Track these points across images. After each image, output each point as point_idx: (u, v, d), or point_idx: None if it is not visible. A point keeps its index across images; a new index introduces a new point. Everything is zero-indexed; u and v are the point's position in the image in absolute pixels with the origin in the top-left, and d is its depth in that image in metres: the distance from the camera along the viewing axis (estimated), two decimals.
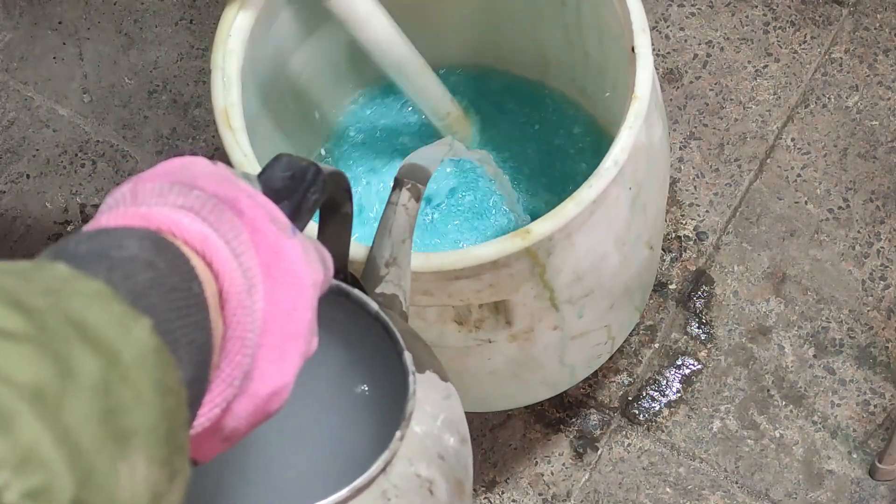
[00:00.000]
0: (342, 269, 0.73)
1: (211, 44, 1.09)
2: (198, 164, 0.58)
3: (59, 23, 1.59)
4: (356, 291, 0.73)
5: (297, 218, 0.61)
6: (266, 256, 0.57)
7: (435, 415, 0.71)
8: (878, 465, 1.29)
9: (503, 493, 1.33)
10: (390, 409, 0.70)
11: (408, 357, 0.70)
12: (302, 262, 0.58)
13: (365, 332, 0.73)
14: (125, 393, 0.45)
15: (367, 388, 0.78)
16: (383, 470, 0.67)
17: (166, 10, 1.59)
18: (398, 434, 0.68)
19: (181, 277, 0.52)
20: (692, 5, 1.53)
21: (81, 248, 0.50)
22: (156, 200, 0.55)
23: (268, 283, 0.56)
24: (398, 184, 0.81)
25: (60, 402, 0.42)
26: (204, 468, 0.76)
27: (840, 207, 1.42)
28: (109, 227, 0.53)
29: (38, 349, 0.43)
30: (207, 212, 0.55)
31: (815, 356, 1.36)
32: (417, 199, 0.81)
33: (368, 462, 0.67)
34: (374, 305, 0.73)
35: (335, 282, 0.72)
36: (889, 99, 1.47)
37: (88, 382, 0.44)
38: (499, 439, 1.35)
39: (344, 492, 0.65)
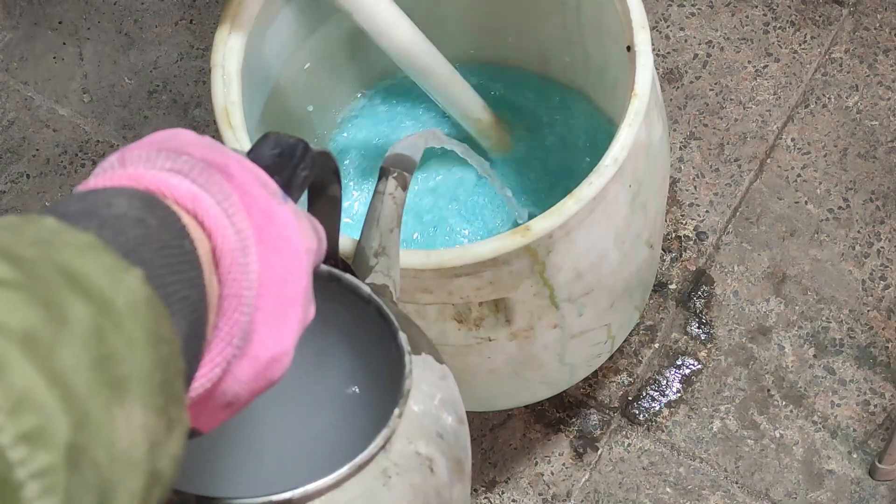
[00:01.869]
0: (332, 254, 0.73)
1: (211, 43, 1.09)
2: (185, 135, 0.58)
3: (59, 23, 1.59)
4: (348, 276, 0.73)
5: (288, 194, 0.61)
6: (258, 220, 0.56)
7: (432, 394, 0.71)
8: (878, 465, 1.29)
9: (503, 493, 1.33)
10: (386, 396, 0.70)
11: (403, 337, 0.70)
12: (294, 227, 0.57)
13: (358, 317, 0.73)
14: (118, 340, 0.45)
15: (357, 389, 0.78)
16: (383, 447, 0.66)
17: (166, 10, 1.59)
18: (396, 411, 0.67)
19: (172, 235, 0.52)
20: (692, 5, 1.54)
21: (71, 208, 0.50)
22: (144, 165, 0.55)
23: (261, 246, 0.56)
24: (384, 173, 0.81)
25: (52, 347, 0.42)
26: (200, 452, 0.76)
27: (840, 207, 1.42)
28: (98, 188, 0.53)
29: (28, 296, 0.43)
30: (196, 174, 0.55)
31: (815, 356, 1.36)
32: (404, 188, 0.80)
33: (364, 449, 0.67)
34: (366, 289, 0.72)
35: (326, 267, 0.72)
36: (889, 99, 1.47)
37: (80, 329, 0.43)
38: (499, 439, 1.34)
39: (344, 469, 0.65)
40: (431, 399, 0.71)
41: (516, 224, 1.29)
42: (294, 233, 0.57)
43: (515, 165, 1.31)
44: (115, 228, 0.49)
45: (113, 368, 0.44)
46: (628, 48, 1.04)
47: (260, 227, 0.56)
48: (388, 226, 0.79)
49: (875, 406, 1.33)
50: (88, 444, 0.42)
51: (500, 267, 1.00)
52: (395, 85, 1.36)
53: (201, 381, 0.54)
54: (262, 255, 0.56)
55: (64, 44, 1.58)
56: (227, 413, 0.57)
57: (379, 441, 0.66)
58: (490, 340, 1.09)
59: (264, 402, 0.78)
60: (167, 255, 0.51)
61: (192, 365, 0.52)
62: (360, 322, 0.74)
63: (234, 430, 0.78)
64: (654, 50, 1.48)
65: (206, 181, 0.55)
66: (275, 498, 0.63)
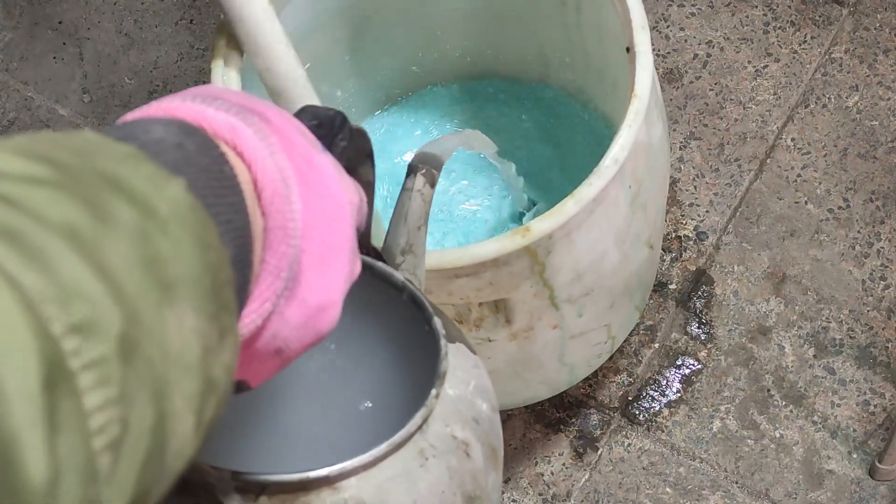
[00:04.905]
0: (364, 241, 0.71)
1: (211, 43, 1.09)
2: (219, 87, 0.57)
3: (59, 23, 1.59)
4: (380, 264, 0.72)
5: None
6: (298, 163, 0.55)
7: (466, 381, 0.71)
8: (878, 465, 1.29)
9: (503, 493, 1.33)
10: (421, 387, 0.70)
11: (437, 321, 0.70)
12: (335, 176, 0.56)
13: (390, 306, 0.73)
14: (164, 244, 0.44)
15: (370, 404, 0.78)
16: (420, 427, 0.66)
17: (166, 10, 1.59)
18: (433, 392, 0.67)
19: (211, 160, 0.50)
20: (692, 5, 1.54)
21: (110, 135, 0.49)
22: (180, 101, 0.54)
23: (303, 188, 0.54)
24: (413, 170, 0.80)
25: (98, 243, 0.41)
26: (235, 433, 0.76)
27: (840, 207, 1.42)
28: (135, 119, 0.52)
29: (70, 194, 0.41)
30: (233, 114, 0.54)
31: (815, 356, 1.36)
32: (432, 185, 0.79)
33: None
34: (399, 276, 0.72)
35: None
36: (889, 99, 1.47)
37: (125, 229, 0.42)
38: None
39: (382, 447, 0.64)
40: (466, 385, 0.70)
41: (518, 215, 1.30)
42: (335, 182, 0.56)
43: (516, 168, 1.31)
44: (154, 150, 0.48)
45: (161, 270, 0.43)
46: (628, 49, 1.04)
47: (301, 170, 0.55)
48: (416, 223, 0.78)
49: (875, 406, 1.34)
50: (140, 339, 0.41)
51: (499, 268, 1.00)
52: (396, 90, 1.36)
53: (252, 316, 0.53)
54: (305, 197, 0.54)
55: (64, 44, 1.58)
56: (276, 363, 0.56)
57: (416, 420, 0.66)
58: (490, 341, 1.09)
59: (297, 385, 0.78)
60: (208, 178, 0.49)
61: (241, 295, 0.51)
62: (392, 311, 0.73)
63: (269, 413, 0.78)
64: (654, 50, 1.48)
65: (244, 120, 0.54)
66: (312, 474, 0.63)
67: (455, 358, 0.70)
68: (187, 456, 0.45)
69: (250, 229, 0.51)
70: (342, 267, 0.56)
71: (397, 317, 0.73)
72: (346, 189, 0.57)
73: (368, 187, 0.68)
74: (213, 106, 0.54)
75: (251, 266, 0.52)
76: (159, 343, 0.42)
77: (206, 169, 0.50)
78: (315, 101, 1.02)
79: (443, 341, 0.69)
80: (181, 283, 0.44)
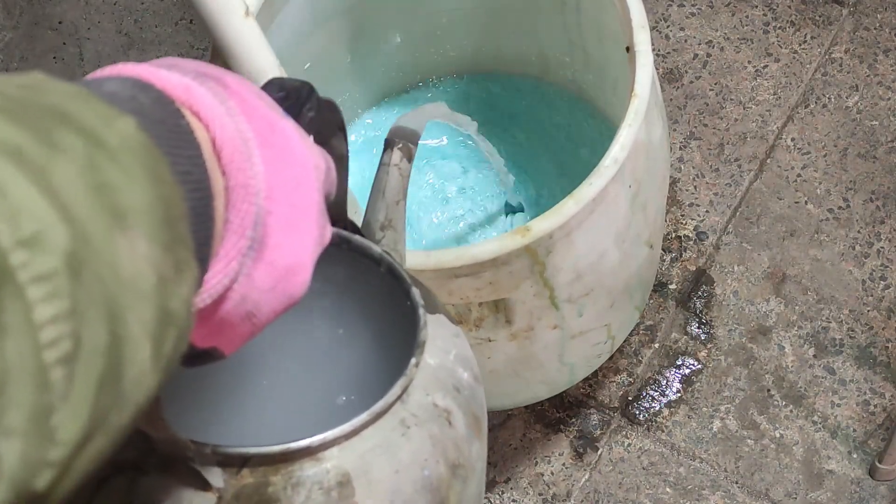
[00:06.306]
0: (341, 216, 0.71)
1: (211, 43, 1.09)
2: (177, 58, 0.57)
3: (59, 23, 1.59)
4: (357, 237, 0.72)
5: None
6: (259, 126, 0.54)
7: (447, 349, 0.71)
8: (878, 465, 1.29)
9: (503, 493, 1.33)
10: (401, 361, 0.70)
11: (415, 292, 0.70)
12: (298, 139, 0.56)
13: (369, 281, 0.73)
14: (115, 173, 0.43)
15: (347, 398, 0.78)
16: (400, 396, 0.66)
17: (166, 10, 1.59)
18: (413, 360, 0.67)
19: (167, 114, 0.50)
20: (692, 5, 1.54)
21: None
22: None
23: (265, 150, 0.54)
24: (389, 144, 0.80)
25: (45, 165, 0.41)
26: (214, 407, 0.76)
27: (840, 207, 1.42)
28: (88, 80, 0.52)
29: (16, 119, 0.41)
30: (189, 78, 0.53)
31: (815, 356, 1.36)
32: (409, 160, 0.79)
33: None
34: (377, 248, 0.72)
35: (334, 229, 0.69)
36: (889, 99, 1.47)
37: (73, 156, 0.42)
38: (499, 439, 1.34)
39: (363, 416, 0.65)
40: (447, 354, 0.70)
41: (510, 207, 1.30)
42: (299, 145, 0.55)
43: (515, 169, 1.31)
44: (108, 101, 0.47)
45: (111, 196, 0.43)
46: (628, 48, 1.04)
47: (262, 133, 0.54)
48: (394, 198, 0.78)
49: (875, 406, 1.34)
50: (90, 259, 0.41)
51: (499, 267, 1.00)
52: (396, 89, 1.36)
53: (218, 276, 0.53)
54: (268, 158, 0.54)
55: (64, 44, 1.58)
56: (248, 328, 0.56)
57: (396, 390, 0.66)
58: (490, 341, 1.09)
59: (275, 359, 0.79)
60: (163, 130, 0.49)
61: (203, 251, 0.51)
62: (372, 288, 0.73)
63: (247, 387, 0.78)
64: (654, 50, 1.48)
65: (201, 83, 0.53)
66: (293, 445, 0.63)
67: (435, 328, 0.70)
68: (147, 387, 0.45)
69: (209, 184, 0.51)
70: (311, 230, 0.56)
71: (376, 293, 0.73)
72: (310, 153, 0.57)
73: (342, 161, 0.68)
74: (169, 70, 0.53)
75: (212, 221, 0.51)
76: (110, 264, 0.42)
77: (162, 121, 0.49)
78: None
79: (421, 311, 0.69)
80: (132, 210, 0.44)
